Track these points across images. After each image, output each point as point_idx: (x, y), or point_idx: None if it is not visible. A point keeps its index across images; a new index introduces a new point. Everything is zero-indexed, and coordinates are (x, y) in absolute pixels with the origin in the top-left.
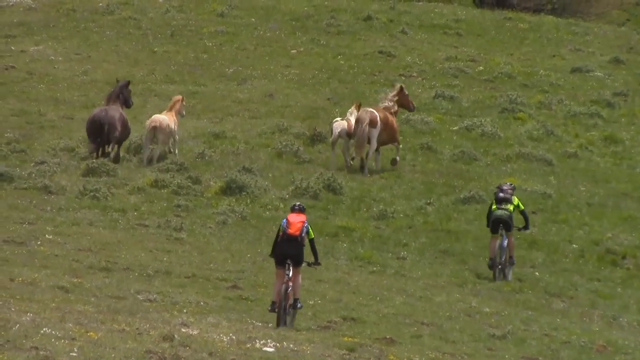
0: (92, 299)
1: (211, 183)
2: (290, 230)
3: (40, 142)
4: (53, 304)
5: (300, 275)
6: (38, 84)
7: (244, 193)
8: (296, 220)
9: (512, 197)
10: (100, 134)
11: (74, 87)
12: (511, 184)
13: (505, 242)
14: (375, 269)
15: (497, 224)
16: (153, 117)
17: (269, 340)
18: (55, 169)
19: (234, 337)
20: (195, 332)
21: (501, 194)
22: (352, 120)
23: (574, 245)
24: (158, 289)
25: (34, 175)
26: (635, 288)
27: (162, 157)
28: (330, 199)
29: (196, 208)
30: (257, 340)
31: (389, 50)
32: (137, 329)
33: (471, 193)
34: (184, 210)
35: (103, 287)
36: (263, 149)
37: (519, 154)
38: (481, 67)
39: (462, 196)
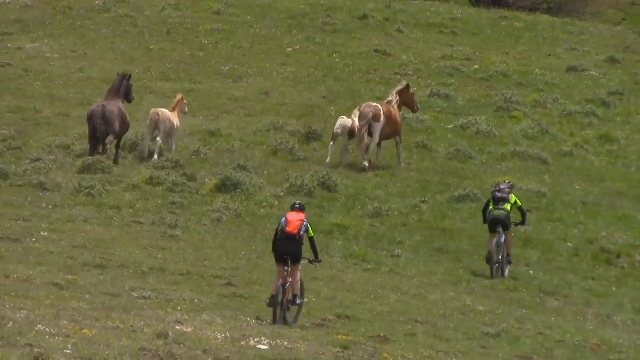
0: (87, 296)
1: (206, 180)
2: (289, 229)
3: (35, 139)
4: (48, 301)
5: (299, 272)
6: (34, 81)
7: (239, 190)
8: (295, 219)
9: (510, 195)
10: (99, 129)
11: (70, 85)
12: (509, 182)
13: (503, 239)
14: (369, 266)
15: (495, 224)
16: (154, 109)
17: (263, 338)
18: (50, 166)
19: (228, 335)
20: (189, 330)
21: (498, 194)
22: (357, 119)
23: (569, 244)
24: (152, 287)
25: (29, 172)
26: (630, 287)
27: (161, 152)
28: (325, 197)
29: (191, 205)
30: (251, 338)
31: (384, 48)
32: (131, 326)
33: (466, 191)
34: (178, 208)
35: (98, 285)
36: (258, 146)
37: (514, 152)
38: (477, 66)
39: (457, 194)
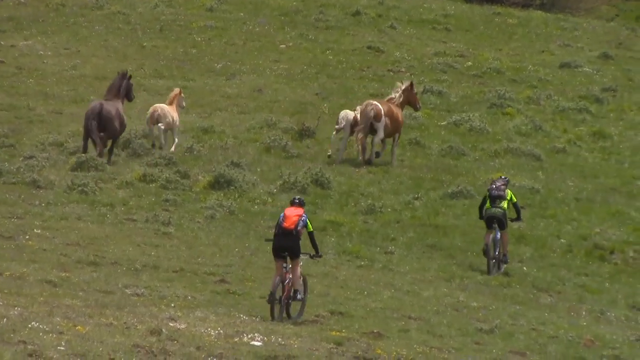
0: (80, 293)
1: (199, 177)
2: (285, 224)
3: (29, 137)
4: (41, 298)
5: (299, 268)
6: (27, 78)
7: (232, 187)
8: (292, 214)
9: (505, 191)
10: (96, 129)
11: (63, 82)
12: (505, 178)
13: (499, 235)
14: (363, 263)
15: (491, 221)
16: (154, 105)
17: (256, 334)
18: (43, 163)
19: (221, 331)
20: (182, 326)
21: (495, 192)
22: (359, 114)
23: (562, 240)
24: (146, 283)
25: (22, 169)
26: (623, 283)
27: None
28: (319, 194)
29: (184, 202)
30: (245, 334)
31: (377, 45)
32: (124, 323)
33: (459, 188)
34: (172, 205)
35: (91, 282)
36: (251, 143)
37: (507, 149)
38: (470, 63)
39: (450, 191)
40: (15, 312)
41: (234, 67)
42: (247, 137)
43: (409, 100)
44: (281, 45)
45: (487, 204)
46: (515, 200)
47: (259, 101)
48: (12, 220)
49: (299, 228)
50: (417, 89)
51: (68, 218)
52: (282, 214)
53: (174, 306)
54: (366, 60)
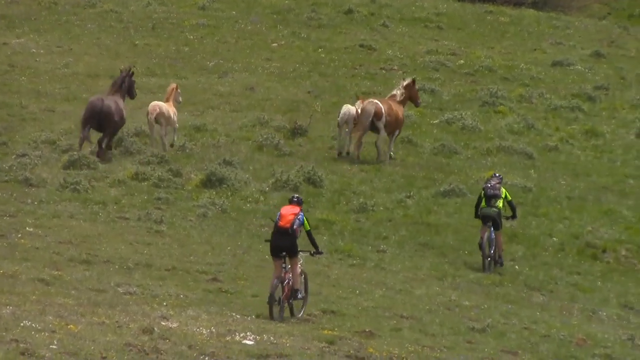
0: (73, 291)
1: (192, 176)
2: (281, 223)
3: (21, 135)
4: (33, 297)
5: (298, 266)
6: (19, 76)
7: (224, 186)
8: (288, 213)
9: (500, 189)
10: (95, 123)
11: (56, 80)
12: (499, 176)
13: (493, 235)
14: (355, 262)
15: (487, 220)
16: (152, 103)
17: (248, 333)
18: (36, 161)
19: (213, 330)
20: (175, 325)
21: (490, 191)
22: (360, 110)
23: (554, 239)
24: (138, 282)
25: (15, 167)
26: (615, 282)
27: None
28: (311, 192)
29: (177, 201)
30: (237, 333)
31: (369, 43)
32: (117, 321)
33: (451, 186)
34: (164, 203)
35: (83, 280)
36: (244, 141)
37: (500, 147)
38: (462, 61)
39: (442, 189)
40: (8, 311)
41: (226, 65)
42: (240, 135)
43: (411, 96)
44: (273, 44)
45: (483, 204)
46: (509, 198)
47: (251, 99)
48: (5, 218)
49: (295, 227)
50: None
51: (60, 216)
52: (278, 213)
53: (166, 305)
54: (358, 59)
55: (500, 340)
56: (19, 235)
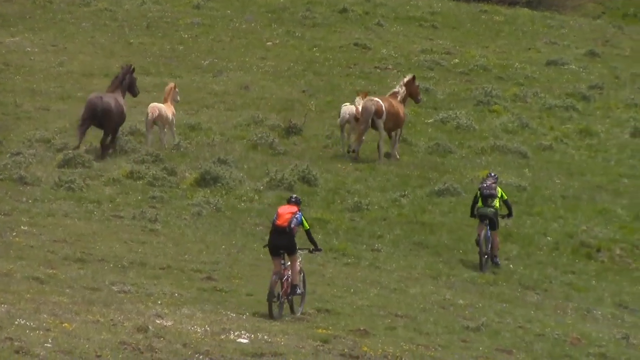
0: (67, 290)
1: (186, 174)
2: (279, 222)
3: (16, 133)
4: (28, 295)
5: (297, 263)
6: (14, 75)
7: (218, 184)
8: (285, 212)
9: (496, 189)
10: (94, 120)
11: (50, 79)
12: (495, 175)
13: (489, 233)
14: (349, 260)
15: (483, 219)
16: (151, 105)
17: (243, 332)
18: (30, 160)
19: (208, 329)
20: (169, 324)
21: (486, 191)
22: (359, 106)
23: (549, 238)
24: (133, 280)
25: (9, 166)
26: (610, 281)
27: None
28: (305, 191)
29: (171, 199)
30: (232, 332)
31: (364, 42)
32: (111, 320)
33: (446, 185)
34: (159, 202)
35: (78, 279)
36: (238, 140)
37: (494, 146)
38: (456, 60)
39: (436, 188)
40: (2, 309)
41: (220, 64)
42: (234, 134)
43: (411, 93)
44: (268, 43)
45: (480, 203)
46: (505, 197)
47: (245, 98)
48: None
49: (292, 225)
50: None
51: (55, 215)
52: (276, 212)
53: (161, 303)
54: (353, 58)
55: (494, 339)
56: (14, 234)
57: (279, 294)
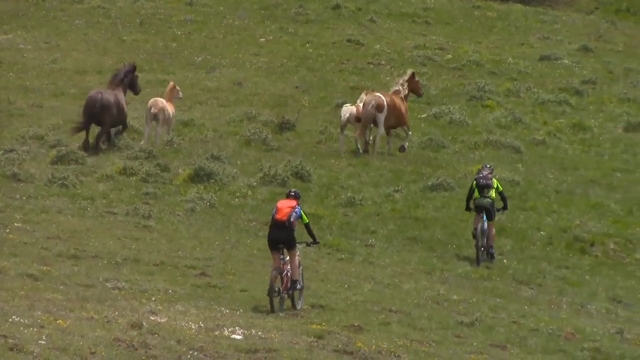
0: (61, 287)
1: (180, 171)
2: (278, 216)
3: (9, 130)
4: (22, 292)
5: (297, 257)
6: (7, 72)
7: (212, 180)
8: (285, 206)
9: (492, 179)
10: (93, 117)
11: (43, 76)
12: (490, 166)
13: (486, 225)
14: (343, 256)
15: (480, 210)
16: (153, 99)
17: (237, 328)
18: (24, 156)
19: (202, 325)
20: (163, 320)
21: (483, 181)
22: (361, 107)
23: (542, 233)
24: (126, 277)
25: (2, 163)
26: (604, 275)
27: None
28: (299, 187)
29: (165, 196)
30: (226, 328)
31: (357, 38)
32: (105, 316)
33: (439, 180)
34: (152, 198)
35: (72, 275)
36: (231, 136)
37: (487, 141)
38: (449, 55)
39: (430, 183)
40: None
41: (214, 60)
42: (227, 130)
43: (413, 89)
44: (261, 39)
45: (476, 194)
46: (501, 189)
47: (239, 94)
48: None
49: (291, 220)
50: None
51: (48, 211)
52: (275, 207)
53: (155, 300)
54: (346, 54)
55: (488, 334)
56: (7, 231)
57: (279, 289)
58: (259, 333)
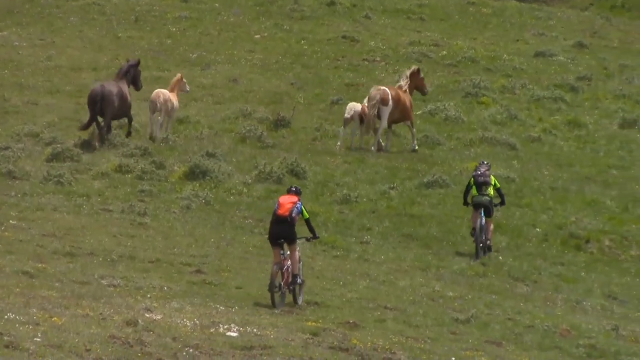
0: (56, 284)
1: (175, 168)
2: (280, 212)
3: (4, 128)
4: (17, 289)
5: (297, 252)
6: (2, 69)
7: (207, 178)
8: (286, 202)
9: (490, 176)
10: (96, 109)
11: (38, 73)
12: (487, 163)
13: (484, 221)
14: (338, 253)
15: (479, 207)
16: (156, 90)
17: (232, 325)
18: (19, 154)
19: (197, 322)
20: (158, 317)
21: (481, 178)
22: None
23: (538, 230)
24: (122, 274)
25: None
26: (599, 272)
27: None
28: (294, 184)
29: (160, 193)
30: (221, 325)
31: (352, 35)
32: (100, 314)
33: (434, 177)
34: (147, 195)
35: (67, 272)
36: (227, 133)
37: (483, 138)
38: (444, 52)
39: (425, 180)
40: None
41: (209, 57)
42: (223, 128)
43: (417, 85)
44: (256, 36)
45: (474, 191)
46: (498, 185)
47: (234, 91)
48: None
49: (293, 215)
50: (392, 77)
51: (44, 209)
52: (277, 202)
53: (150, 297)
54: (341, 50)
55: (484, 331)
56: (3, 228)
57: (280, 284)
58: (255, 330)
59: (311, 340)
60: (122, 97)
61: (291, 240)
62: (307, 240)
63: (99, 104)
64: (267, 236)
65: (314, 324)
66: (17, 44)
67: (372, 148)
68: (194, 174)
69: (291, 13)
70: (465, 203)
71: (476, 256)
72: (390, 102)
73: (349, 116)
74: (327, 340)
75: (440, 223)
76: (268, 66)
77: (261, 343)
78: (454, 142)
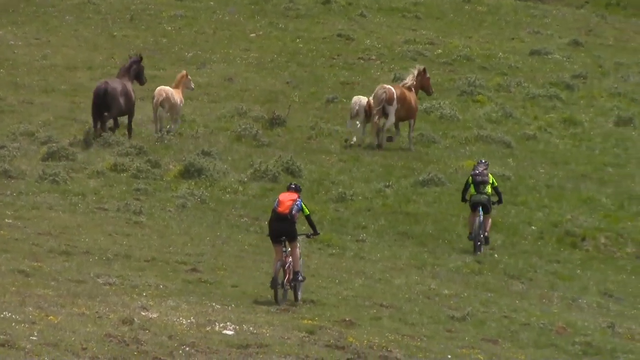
0: (52, 282)
1: (170, 167)
2: (280, 209)
3: None
4: (13, 288)
5: (298, 249)
6: None
7: (203, 176)
8: (286, 199)
9: (488, 175)
10: (101, 106)
11: (34, 72)
12: (485, 162)
13: (482, 218)
14: (334, 251)
15: (477, 206)
16: (159, 87)
17: (228, 323)
18: (15, 153)
19: (193, 320)
20: (154, 316)
21: (479, 177)
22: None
23: (533, 227)
24: (118, 273)
25: None
26: (595, 270)
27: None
28: (289, 182)
29: (155, 192)
30: (217, 323)
31: (347, 33)
32: (96, 312)
33: (430, 175)
34: (143, 194)
35: (63, 271)
36: (222, 132)
37: (478, 136)
38: (440, 50)
39: (421, 179)
40: None
41: (204, 56)
42: (218, 126)
43: (422, 85)
44: (251, 34)
45: (472, 190)
46: (496, 184)
47: (229, 90)
48: None
49: (293, 212)
50: (387, 76)
51: (39, 207)
52: (277, 199)
53: (146, 295)
54: (336, 49)
55: (480, 329)
56: None
57: (282, 281)
58: (251, 328)
59: (307, 339)
60: (127, 95)
61: (292, 237)
62: (308, 236)
63: (103, 101)
64: (266, 234)
65: (310, 322)
66: (12, 43)
67: (377, 144)
68: (190, 172)
69: (286, 11)
70: (464, 200)
71: (474, 251)
72: (395, 101)
73: (355, 109)
74: (323, 338)
75: (436, 221)
76: (263, 65)
77: (257, 341)
78: (449, 141)
